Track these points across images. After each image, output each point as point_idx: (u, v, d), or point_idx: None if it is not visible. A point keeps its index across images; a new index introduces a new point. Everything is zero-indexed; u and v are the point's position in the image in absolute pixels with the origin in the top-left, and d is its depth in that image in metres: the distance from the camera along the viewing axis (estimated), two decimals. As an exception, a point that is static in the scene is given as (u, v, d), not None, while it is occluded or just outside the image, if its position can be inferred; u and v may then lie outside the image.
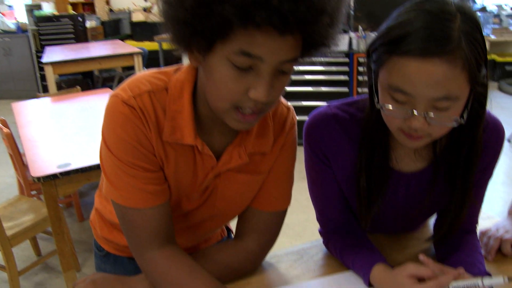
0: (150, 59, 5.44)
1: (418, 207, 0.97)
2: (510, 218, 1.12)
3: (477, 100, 0.81)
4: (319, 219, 1.03)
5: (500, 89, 6.62)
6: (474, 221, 1.00)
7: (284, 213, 0.95)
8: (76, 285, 0.85)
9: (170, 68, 0.83)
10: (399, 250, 1.03)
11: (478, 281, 0.78)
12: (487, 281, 0.77)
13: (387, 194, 0.93)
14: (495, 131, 0.91)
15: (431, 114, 0.75)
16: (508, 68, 7.07)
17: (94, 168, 1.86)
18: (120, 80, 5.01)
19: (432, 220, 1.10)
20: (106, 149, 0.78)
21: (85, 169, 1.84)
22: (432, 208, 0.99)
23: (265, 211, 0.92)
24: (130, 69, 4.93)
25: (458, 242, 0.96)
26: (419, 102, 0.74)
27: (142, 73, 0.82)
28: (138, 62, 3.99)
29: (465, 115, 0.78)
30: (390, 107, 0.78)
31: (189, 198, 0.88)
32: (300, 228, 2.68)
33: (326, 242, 1.03)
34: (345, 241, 0.97)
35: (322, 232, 1.04)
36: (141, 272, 0.86)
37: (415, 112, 0.75)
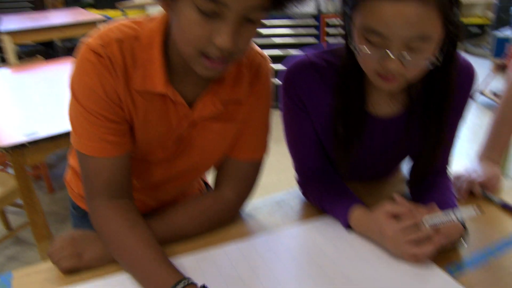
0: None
1: (394, 151, 0.98)
2: (479, 163, 1.16)
3: (450, 41, 0.82)
4: (297, 167, 1.04)
5: (465, 50, 6.79)
6: (447, 163, 1.03)
7: (261, 162, 0.95)
8: (55, 242, 0.83)
9: (143, 18, 0.82)
10: (375, 196, 1.05)
11: (449, 213, 0.80)
12: (458, 213, 0.80)
13: (364, 139, 0.94)
14: (467, 73, 0.93)
15: (406, 55, 0.75)
16: (472, 30, 7.20)
17: (63, 136, 1.81)
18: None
19: (405, 165, 1.13)
20: (72, 97, 0.79)
21: (54, 137, 1.79)
22: (407, 152, 1.00)
23: (242, 161, 0.92)
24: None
25: (431, 183, 0.99)
26: (393, 43, 0.75)
27: (115, 22, 0.81)
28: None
29: (438, 56, 0.79)
30: (366, 49, 0.78)
31: (163, 147, 0.87)
32: (273, 189, 2.70)
33: (304, 191, 1.04)
34: (322, 188, 0.98)
35: (299, 181, 1.05)
36: None
37: (390, 54, 0.75)
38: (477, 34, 7.30)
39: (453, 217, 0.79)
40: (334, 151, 0.95)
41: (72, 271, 0.81)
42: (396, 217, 0.84)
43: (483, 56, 6.26)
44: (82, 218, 1.05)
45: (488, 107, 4.28)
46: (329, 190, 0.97)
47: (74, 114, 0.80)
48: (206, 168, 0.97)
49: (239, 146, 0.92)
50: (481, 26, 7.15)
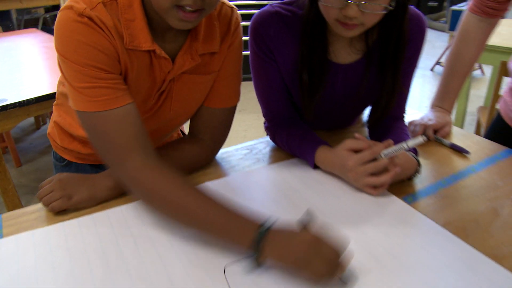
0: None
1: (354, 97, 1.07)
2: (431, 111, 1.27)
3: None
4: (266, 114, 1.11)
5: (424, 24, 6.96)
6: (402, 108, 1.12)
7: (234, 109, 1.01)
8: (44, 187, 0.87)
9: None
10: (338, 143, 1.14)
11: (403, 144, 0.89)
12: (410, 142, 0.89)
13: (326, 84, 1.02)
14: (418, 22, 1.01)
15: (364, 3, 0.83)
16: (430, 3, 7.41)
17: (33, 102, 1.81)
18: (45, 22, 4.70)
19: (366, 116, 1.22)
20: (65, 62, 0.77)
21: (23, 103, 1.80)
22: (367, 98, 1.09)
23: (217, 108, 0.98)
24: (55, 9, 4.63)
25: (388, 126, 1.08)
26: None
27: None
28: (64, 0, 3.75)
29: (392, 4, 0.87)
30: None
31: (145, 103, 0.91)
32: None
33: (272, 136, 1.12)
34: (290, 131, 1.06)
35: (268, 127, 1.13)
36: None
37: (350, 1, 0.83)
38: (435, 8, 7.52)
39: (405, 146, 0.89)
40: (300, 98, 1.03)
41: (61, 211, 0.86)
42: (356, 151, 0.93)
43: (442, 30, 6.47)
44: (65, 167, 1.09)
45: (439, 76, 4.46)
46: (296, 134, 1.05)
47: (74, 79, 0.77)
48: (186, 118, 1.03)
49: (215, 95, 0.97)
50: (439, 1, 7.37)
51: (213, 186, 0.95)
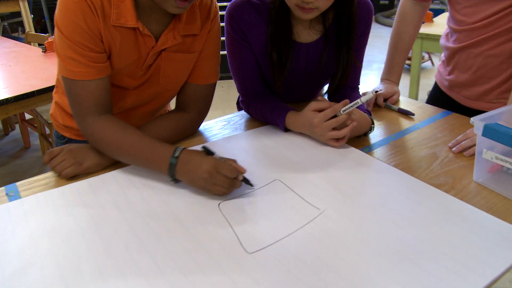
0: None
1: (316, 71, 1.25)
2: (381, 83, 1.47)
3: None
4: (240, 89, 1.27)
5: (377, 21, 7.35)
6: (357, 79, 1.31)
7: (214, 85, 1.17)
8: (51, 153, 0.99)
9: None
10: (304, 112, 1.32)
11: (357, 100, 1.07)
12: (363, 98, 1.06)
13: (292, 61, 1.19)
14: (365, 6, 1.20)
15: None
16: (382, 1, 7.79)
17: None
18: (5, 30, 4.68)
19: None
20: (59, 33, 0.93)
21: None
22: (326, 72, 1.27)
23: (200, 84, 1.14)
24: (14, 16, 4.62)
25: (346, 95, 1.27)
26: None
27: None
28: (24, 7, 3.78)
29: None
30: None
31: (133, 75, 1.06)
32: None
33: (247, 108, 1.28)
34: (263, 102, 1.23)
35: (243, 100, 1.29)
36: None
37: None
38: (386, 6, 7.92)
39: (359, 101, 1.06)
40: (271, 74, 1.20)
41: (72, 177, 0.99)
42: (320, 111, 1.10)
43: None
44: (65, 144, 1.22)
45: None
46: (268, 104, 1.22)
47: (62, 47, 0.93)
48: (172, 94, 1.17)
49: (197, 73, 1.13)
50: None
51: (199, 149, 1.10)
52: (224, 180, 0.88)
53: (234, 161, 0.92)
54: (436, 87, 1.51)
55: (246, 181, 0.92)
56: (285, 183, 0.95)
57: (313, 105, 1.11)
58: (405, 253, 0.74)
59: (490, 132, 0.89)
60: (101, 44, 0.96)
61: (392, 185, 0.94)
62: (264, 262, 0.73)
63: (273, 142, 1.15)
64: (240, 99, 1.31)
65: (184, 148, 0.93)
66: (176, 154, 0.91)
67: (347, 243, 0.77)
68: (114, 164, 1.03)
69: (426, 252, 0.74)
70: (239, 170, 0.90)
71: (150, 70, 1.07)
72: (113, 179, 0.98)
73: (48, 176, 1.01)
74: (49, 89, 2.03)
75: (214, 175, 0.87)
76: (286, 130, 1.19)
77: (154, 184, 0.95)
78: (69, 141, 1.22)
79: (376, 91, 1.08)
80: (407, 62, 5.15)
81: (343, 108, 1.07)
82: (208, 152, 0.94)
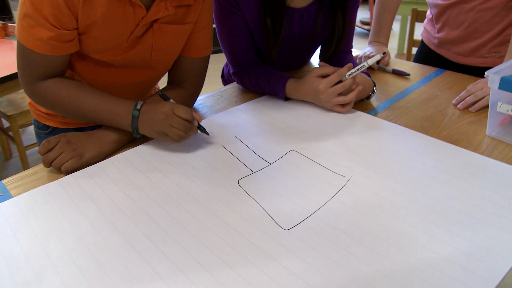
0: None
1: (310, 36, 1.19)
2: (370, 45, 1.44)
3: None
4: (232, 60, 1.20)
5: None
6: (350, 43, 1.26)
7: (208, 58, 1.09)
8: (48, 144, 0.88)
9: None
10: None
11: (364, 63, 1.03)
12: (369, 60, 1.03)
13: (286, 26, 1.13)
14: None
15: None
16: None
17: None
18: None
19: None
20: (30, 4, 0.81)
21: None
22: (320, 36, 1.22)
23: (195, 57, 1.05)
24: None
25: (340, 59, 1.22)
26: None
27: None
28: None
29: None
30: None
31: (118, 48, 0.95)
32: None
33: (240, 79, 1.21)
34: (258, 71, 1.17)
35: (235, 72, 1.22)
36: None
37: None
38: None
39: (365, 64, 1.02)
40: (265, 41, 1.13)
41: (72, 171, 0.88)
42: (324, 77, 1.05)
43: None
44: (50, 135, 1.10)
45: (359, 35, 4.81)
46: (263, 74, 1.16)
47: (26, 10, 0.82)
48: (164, 70, 1.07)
49: (192, 46, 1.04)
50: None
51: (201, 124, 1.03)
52: (180, 122, 0.88)
53: (194, 109, 0.93)
54: (423, 45, 1.49)
55: (202, 128, 0.95)
56: (301, 153, 0.90)
57: (317, 70, 1.06)
58: (440, 210, 0.71)
59: (508, 84, 0.87)
60: (73, 23, 0.86)
61: (410, 146, 0.91)
62: (303, 236, 0.68)
63: (277, 112, 1.09)
64: (231, 71, 1.23)
65: (143, 102, 0.93)
66: (138, 107, 0.91)
67: (381, 207, 0.73)
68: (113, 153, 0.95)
69: (460, 208, 0.72)
70: (194, 116, 0.92)
71: (139, 43, 0.97)
72: (113, 166, 0.89)
73: (38, 169, 0.90)
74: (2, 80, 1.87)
75: (170, 116, 0.88)
76: (286, 99, 1.13)
77: (160, 166, 0.88)
78: (54, 130, 1.10)
79: (384, 52, 1.03)
80: (365, 27, 5.19)
81: (349, 72, 1.03)
82: (164, 98, 0.95)
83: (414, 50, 2.39)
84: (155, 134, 0.91)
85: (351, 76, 1.02)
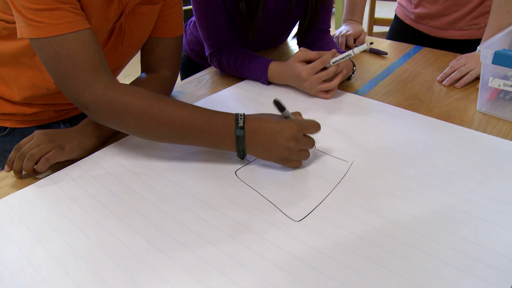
0: None
1: (285, 14, 1.14)
2: (345, 24, 1.40)
3: None
4: (209, 38, 1.12)
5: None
6: (328, 22, 1.22)
7: (181, 38, 1.01)
8: (19, 146, 0.78)
9: None
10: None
11: (350, 51, 0.99)
12: (356, 49, 0.99)
13: (263, 9, 1.07)
14: None
15: None
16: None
17: None
18: None
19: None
20: None
21: None
22: (296, 14, 1.17)
23: (168, 38, 0.97)
24: None
25: (316, 37, 1.18)
26: None
27: None
28: None
29: None
30: None
31: (102, 39, 0.88)
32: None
33: (218, 60, 1.13)
34: (237, 52, 1.10)
35: (212, 53, 1.14)
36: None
37: None
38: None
39: (351, 52, 0.98)
40: (241, 23, 1.07)
41: (52, 164, 0.78)
42: (307, 62, 1.00)
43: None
44: (7, 137, 0.96)
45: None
46: (243, 54, 1.10)
47: (30, 1, 0.69)
48: (133, 54, 0.99)
49: (164, 25, 0.96)
50: None
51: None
52: (310, 142, 0.75)
53: (299, 113, 0.79)
54: (397, 22, 1.48)
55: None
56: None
57: (300, 55, 1.00)
58: (445, 185, 0.69)
59: (502, 58, 0.85)
60: None
61: (405, 125, 0.89)
62: (315, 226, 0.64)
63: (262, 97, 1.03)
64: (207, 52, 1.15)
65: (242, 114, 0.74)
66: (241, 124, 0.72)
67: (387, 189, 0.70)
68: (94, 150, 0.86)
69: (464, 184, 0.70)
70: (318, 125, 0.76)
71: (115, 30, 0.89)
72: (95, 164, 0.81)
73: (6, 175, 0.80)
74: None
75: (300, 139, 0.73)
76: (269, 83, 1.08)
77: (149, 162, 0.80)
78: (13, 130, 0.98)
79: (371, 43, 1.00)
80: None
81: (333, 60, 0.98)
82: (280, 108, 0.74)
83: (376, 28, 2.42)
84: (275, 160, 0.75)
85: (335, 63, 0.98)
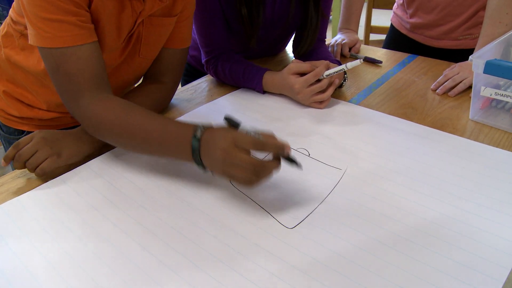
0: None
1: (282, 23, 1.16)
2: (341, 33, 1.42)
3: None
4: (206, 45, 1.14)
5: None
6: (324, 32, 1.24)
7: (188, 49, 1.03)
8: (17, 145, 0.78)
9: None
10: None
11: (343, 66, 1.00)
12: (349, 64, 0.99)
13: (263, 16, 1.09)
14: None
15: None
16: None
17: None
18: None
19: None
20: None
21: None
22: (293, 24, 1.18)
23: (178, 49, 0.99)
24: None
25: (313, 47, 1.19)
26: None
27: None
28: None
29: None
30: None
31: (118, 48, 0.89)
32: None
33: (214, 68, 1.15)
34: (233, 61, 1.12)
35: (208, 60, 1.15)
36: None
37: None
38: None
39: (344, 67, 0.99)
40: (243, 30, 1.09)
41: (49, 173, 0.79)
42: (300, 74, 1.02)
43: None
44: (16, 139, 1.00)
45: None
46: (239, 62, 1.12)
47: (39, 8, 0.71)
48: (148, 64, 1.00)
49: (176, 37, 0.98)
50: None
51: (184, 119, 0.97)
52: (244, 159, 0.62)
53: (271, 135, 0.65)
54: (393, 31, 1.50)
55: (291, 160, 0.67)
56: (291, 146, 0.87)
57: (293, 67, 1.02)
58: (437, 193, 0.71)
59: (493, 68, 0.87)
60: (88, 1, 0.77)
61: (399, 134, 0.90)
62: (308, 234, 0.65)
63: (258, 105, 1.04)
64: (203, 60, 1.17)
65: (208, 126, 0.69)
66: (198, 134, 0.68)
67: (380, 197, 0.71)
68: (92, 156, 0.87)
69: (456, 192, 0.71)
70: (276, 145, 0.64)
71: (131, 41, 0.91)
72: (92, 171, 0.82)
73: (12, 177, 0.81)
74: None
75: (231, 152, 0.63)
76: (264, 92, 1.09)
77: (144, 170, 0.81)
78: (21, 132, 1.01)
79: (364, 58, 1.02)
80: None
81: (326, 73, 0.99)
82: (232, 123, 0.70)
83: (372, 36, 2.44)
84: (220, 174, 0.67)
85: (329, 76, 1.00)
